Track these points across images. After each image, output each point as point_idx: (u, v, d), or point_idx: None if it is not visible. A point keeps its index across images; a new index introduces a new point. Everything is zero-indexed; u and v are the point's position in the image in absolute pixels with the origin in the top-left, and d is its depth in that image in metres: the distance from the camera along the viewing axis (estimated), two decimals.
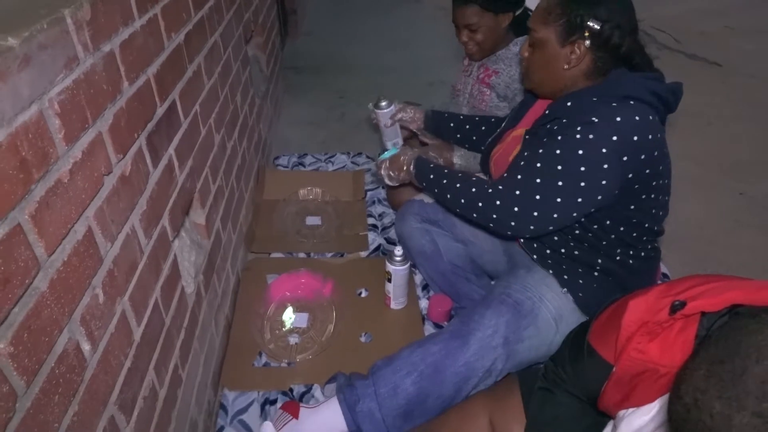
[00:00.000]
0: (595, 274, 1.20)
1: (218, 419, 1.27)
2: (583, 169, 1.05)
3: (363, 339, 1.48)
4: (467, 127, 1.58)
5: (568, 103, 1.13)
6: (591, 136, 1.04)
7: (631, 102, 1.06)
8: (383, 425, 1.15)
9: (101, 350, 0.72)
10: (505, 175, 1.16)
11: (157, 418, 0.91)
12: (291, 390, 1.33)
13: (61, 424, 0.62)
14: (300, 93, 2.95)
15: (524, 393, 1.04)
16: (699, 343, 0.66)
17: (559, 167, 1.07)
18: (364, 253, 1.77)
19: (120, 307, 0.78)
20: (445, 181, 1.24)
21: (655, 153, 1.07)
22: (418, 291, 1.63)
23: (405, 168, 1.35)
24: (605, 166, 1.04)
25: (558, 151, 1.07)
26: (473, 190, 1.17)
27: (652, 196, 1.13)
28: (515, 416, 1.02)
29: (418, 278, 1.66)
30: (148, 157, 0.91)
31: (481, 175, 1.34)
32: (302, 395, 1.31)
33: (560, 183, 1.07)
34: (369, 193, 2.05)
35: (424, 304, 1.58)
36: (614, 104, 1.06)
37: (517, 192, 1.11)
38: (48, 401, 0.59)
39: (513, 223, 1.11)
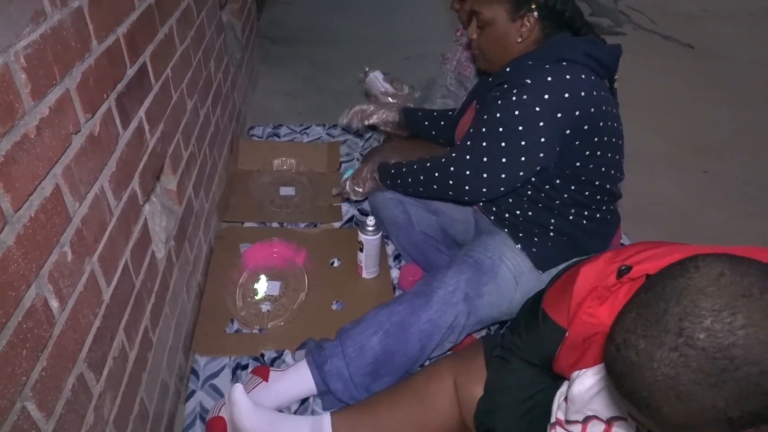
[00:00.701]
0: (551, 234, 1.27)
1: (189, 383, 1.28)
2: (521, 128, 1.13)
3: (335, 307, 1.50)
4: (441, 123, 1.61)
5: (507, 69, 1.21)
6: (525, 97, 1.13)
7: (564, 63, 1.14)
8: (351, 383, 1.19)
9: (70, 308, 0.72)
10: (457, 143, 1.24)
11: (127, 378, 0.92)
12: (262, 355, 1.35)
13: (29, 378, 0.62)
14: (277, 63, 2.91)
15: (487, 357, 1.08)
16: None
17: (500, 129, 1.15)
18: (337, 224, 1.79)
19: (89, 266, 0.78)
20: (404, 170, 1.35)
21: (592, 109, 1.13)
22: (390, 261, 1.65)
23: (368, 177, 1.48)
24: (541, 123, 1.12)
25: (498, 114, 1.16)
26: (428, 164, 1.28)
27: (598, 153, 1.18)
28: (478, 377, 1.06)
29: (390, 248, 1.68)
30: (117, 119, 0.90)
31: None
32: (273, 360, 1.33)
33: (503, 144, 1.16)
34: (343, 165, 2.05)
35: (395, 273, 1.61)
36: (547, 66, 1.14)
37: (467, 156, 1.20)
38: (16, 354, 0.60)
39: (467, 187, 1.21)
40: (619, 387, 0.59)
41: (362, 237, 1.50)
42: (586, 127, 1.14)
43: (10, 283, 0.59)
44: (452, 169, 1.22)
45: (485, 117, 1.18)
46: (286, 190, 1.90)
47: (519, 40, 1.20)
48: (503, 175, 1.18)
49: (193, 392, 1.26)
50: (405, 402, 1.12)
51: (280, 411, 1.19)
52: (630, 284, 0.76)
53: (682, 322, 0.54)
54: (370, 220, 1.50)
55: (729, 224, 1.92)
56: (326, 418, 1.10)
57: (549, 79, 1.12)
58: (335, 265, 1.63)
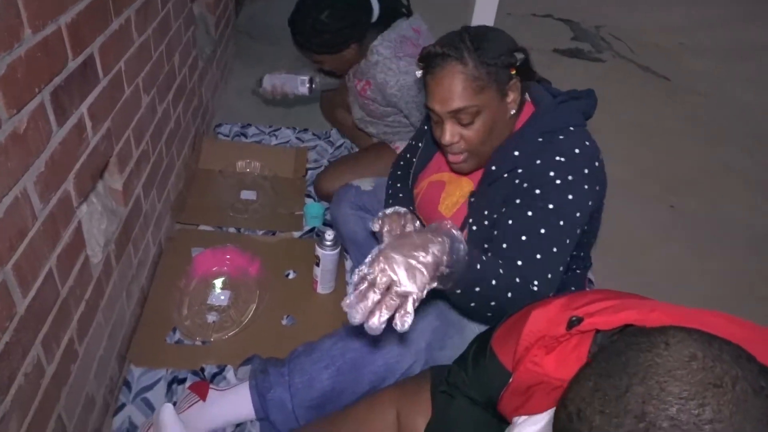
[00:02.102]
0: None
1: (120, 395, 1.21)
2: (578, 215, 1.00)
3: (285, 322, 1.44)
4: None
5: (516, 153, 1.05)
6: (570, 177, 0.99)
7: (572, 129, 1.04)
8: (293, 414, 1.13)
9: None
10: (513, 257, 0.99)
11: (42, 396, 0.85)
12: (202, 370, 1.28)
13: None
14: (253, 60, 2.83)
15: (433, 390, 1.03)
16: (590, 358, 0.67)
17: (562, 223, 0.99)
18: (297, 233, 1.73)
19: (0, 276, 0.71)
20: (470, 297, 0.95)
21: (604, 171, 1.07)
22: (348, 277, 1.60)
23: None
24: (590, 203, 1.01)
25: (551, 206, 0.99)
26: (501, 294, 0.96)
27: (594, 215, 1.12)
28: (422, 411, 1.01)
29: (348, 264, 1.63)
30: (51, 115, 0.83)
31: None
32: (214, 376, 1.27)
33: (568, 241, 0.99)
34: (310, 172, 1.99)
35: (350, 288, 1.56)
36: (561, 137, 1.03)
37: (540, 268, 0.98)
38: None
39: (544, 292, 0.98)
40: None
41: (319, 251, 1.45)
42: (602, 194, 1.07)
43: None
44: (536, 288, 0.97)
45: (530, 214, 1.00)
46: (247, 194, 1.83)
47: (512, 113, 1.06)
48: (561, 267, 1.01)
49: (123, 405, 1.19)
50: None
51: None
52: (579, 336, 0.73)
53: (646, 405, 0.50)
54: (329, 234, 1.45)
55: (690, 262, 1.92)
56: None
57: (577, 151, 1.01)
58: (290, 276, 1.57)
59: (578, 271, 1.23)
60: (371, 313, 0.74)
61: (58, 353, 0.90)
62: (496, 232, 1.05)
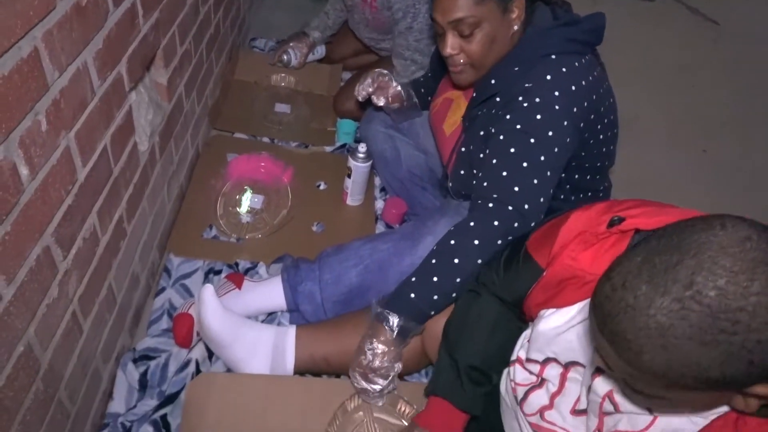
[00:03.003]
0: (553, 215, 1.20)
1: (161, 280, 1.29)
2: (550, 133, 1.00)
3: (315, 228, 1.50)
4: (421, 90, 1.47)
5: (492, 81, 1.08)
6: (537, 100, 1.01)
7: (553, 57, 1.03)
8: (321, 308, 1.20)
9: (40, 179, 0.71)
10: (485, 184, 1.03)
11: (97, 262, 0.92)
12: (236, 264, 1.35)
13: None
14: None
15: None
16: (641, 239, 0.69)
17: (532, 141, 1.00)
18: (329, 148, 1.76)
19: (64, 141, 0.76)
20: (427, 277, 1.02)
21: (594, 96, 1.06)
22: (376, 192, 1.64)
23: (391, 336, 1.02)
24: (565, 122, 1.01)
25: (519, 126, 1.01)
26: (461, 240, 1.01)
27: (600, 137, 1.12)
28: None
29: (377, 180, 1.67)
30: None
31: None
32: (247, 271, 1.34)
33: (542, 158, 1.00)
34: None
35: (380, 205, 1.61)
36: (538, 66, 1.03)
37: (516, 189, 1.00)
38: None
39: (530, 223, 1.01)
40: (601, 325, 0.58)
41: (351, 163, 1.48)
42: (592, 117, 1.07)
43: None
44: (517, 224, 1.00)
45: (501, 138, 1.03)
46: (282, 107, 1.85)
47: (515, 28, 1.06)
48: (550, 190, 1.03)
49: (163, 289, 1.27)
50: None
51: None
52: (618, 236, 0.75)
53: (695, 276, 0.52)
54: (362, 147, 1.48)
55: (716, 207, 1.92)
56: (291, 329, 1.12)
57: (548, 77, 1.01)
58: (321, 188, 1.62)
59: (600, 195, 1.25)
60: None
61: (110, 227, 0.97)
62: (479, 173, 1.07)
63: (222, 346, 1.10)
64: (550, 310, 0.84)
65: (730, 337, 0.51)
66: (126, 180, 1.03)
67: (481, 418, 1.02)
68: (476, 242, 0.99)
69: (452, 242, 1.01)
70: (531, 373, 0.89)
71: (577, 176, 1.16)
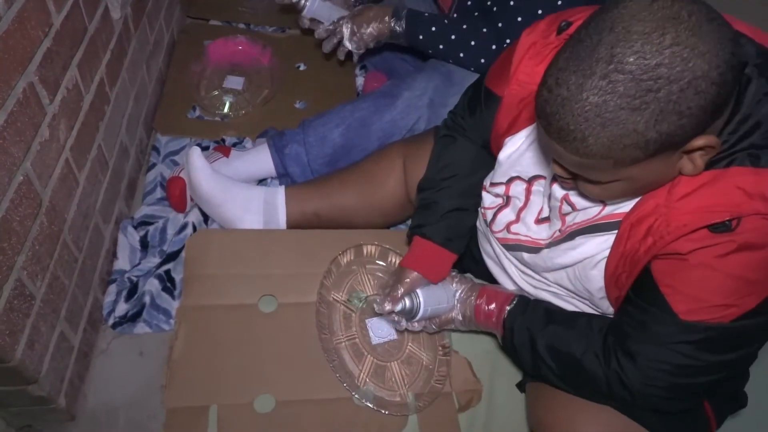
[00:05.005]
0: None
1: (151, 158, 1.33)
2: None
3: (298, 106, 1.52)
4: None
5: None
6: None
7: None
8: (308, 168, 1.24)
9: (15, 11, 0.72)
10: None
11: (84, 117, 0.95)
12: (223, 140, 1.38)
13: None
14: None
15: (437, 140, 1.12)
16: None
17: None
18: None
19: None
20: (435, 29, 1.20)
21: None
22: (356, 70, 1.65)
23: (376, 19, 1.24)
24: None
25: None
26: (471, 38, 1.16)
27: None
28: (427, 159, 1.10)
29: (355, 57, 1.66)
30: None
31: None
32: (234, 145, 1.37)
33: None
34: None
35: (360, 81, 1.62)
36: None
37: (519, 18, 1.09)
38: None
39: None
40: (548, 128, 0.61)
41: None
42: None
43: None
44: (494, 46, 1.16)
45: None
46: None
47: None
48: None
49: (154, 165, 1.31)
50: (355, 181, 1.17)
51: None
52: None
53: (614, 49, 0.55)
54: None
55: None
56: (281, 188, 1.17)
57: None
58: (301, 68, 1.62)
59: None
60: None
61: (92, 87, 0.99)
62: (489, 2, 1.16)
63: (214, 205, 1.14)
64: (513, 135, 0.87)
65: (656, 95, 0.54)
66: (103, 43, 1.03)
67: (466, 254, 1.08)
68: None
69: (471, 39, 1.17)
70: (497, 195, 0.94)
71: None
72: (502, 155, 0.90)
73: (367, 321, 1.07)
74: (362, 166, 1.19)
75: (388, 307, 0.93)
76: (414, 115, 1.23)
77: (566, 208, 0.82)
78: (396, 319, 0.96)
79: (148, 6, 1.31)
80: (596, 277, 0.79)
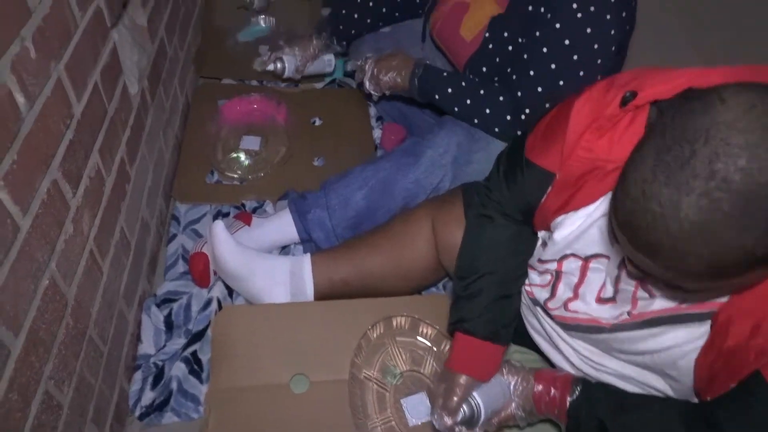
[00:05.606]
0: None
1: (171, 228, 1.29)
2: (596, 46, 1.01)
3: (316, 163, 1.49)
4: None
5: None
6: (592, 9, 0.98)
7: None
8: (333, 233, 1.20)
9: (38, 110, 0.69)
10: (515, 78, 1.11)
11: (106, 202, 0.92)
12: (243, 205, 1.35)
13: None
14: None
15: (466, 200, 1.07)
16: (647, 130, 0.64)
17: (575, 57, 1.02)
18: (319, 85, 1.73)
19: (55, 72, 0.74)
20: (451, 90, 1.17)
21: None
22: (372, 122, 1.62)
23: (397, 68, 1.25)
24: (613, 32, 1.00)
25: (567, 42, 1.02)
26: (483, 96, 1.14)
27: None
28: (457, 221, 1.05)
29: (372, 110, 1.65)
30: None
31: None
32: (254, 210, 1.34)
33: (581, 73, 1.03)
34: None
35: (377, 133, 1.59)
36: None
37: (539, 89, 1.07)
38: None
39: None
40: (634, 240, 0.55)
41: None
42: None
43: None
44: (524, 114, 1.10)
45: (537, 34, 1.05)
46: (267, 50, 1.80)
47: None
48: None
49: (174, 236, 1.27)
50: (383, 244, 1.13)
51: None
52: (632, 113, 0.70)
53: (713, 164, 0.49)
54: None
55: None
56: (306, 256, 1.13)
57: None
58: (317, 123, 1.60)
59: None
60: None
61: (113, 169, 0.96)
62: (509, 69, 1.11)
63: (239, 279, 1.10)
64: (567, 214, 0.80)
65: (767, 212, 0.49)
66: (122, 121, 1.01)
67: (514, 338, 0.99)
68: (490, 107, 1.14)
69: (482, 96, 1.15)
70: (546, 272, 0.88)
71: None
72: (558, 235, 0.82)
73: (402, 401, 1.01)
74: (389, 229, 1.14)
75: (448, 421, 0.86)
76: (438, 174, 1.19)
77: (642, 293, 0.75)
78: (457, 430, 0.87)
79: (162, 74, 1.30)
80: (684, 368, 0.72)
